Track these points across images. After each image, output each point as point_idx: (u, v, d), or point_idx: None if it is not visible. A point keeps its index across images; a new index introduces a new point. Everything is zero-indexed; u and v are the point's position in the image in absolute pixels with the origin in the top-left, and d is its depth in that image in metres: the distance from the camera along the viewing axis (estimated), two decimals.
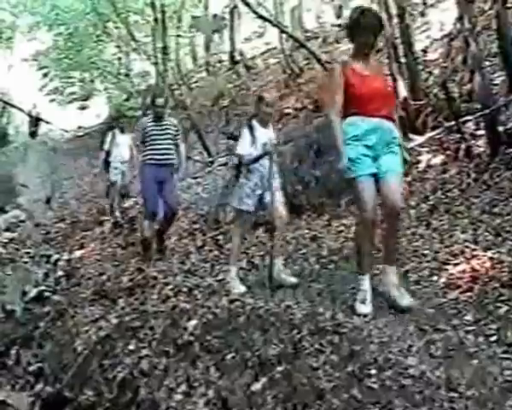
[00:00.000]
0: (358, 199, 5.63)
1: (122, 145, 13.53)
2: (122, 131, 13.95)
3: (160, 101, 9.75)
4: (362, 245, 5.70)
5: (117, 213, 13.29)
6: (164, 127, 9.58)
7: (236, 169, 7.50)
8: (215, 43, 33.02)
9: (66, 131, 36.50)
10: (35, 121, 30.56)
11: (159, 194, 9.41)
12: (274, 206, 7.09)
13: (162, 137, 9.51)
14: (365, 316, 5.26)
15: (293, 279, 7.01)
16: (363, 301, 5.53)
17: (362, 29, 5.75)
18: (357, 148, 5.56)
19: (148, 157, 9.50)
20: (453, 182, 9.03)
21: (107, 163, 13.80)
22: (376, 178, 5.61)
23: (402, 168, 5.82)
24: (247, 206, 7.22)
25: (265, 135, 7.31)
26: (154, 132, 9.49)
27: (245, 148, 7.25)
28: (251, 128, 7.29)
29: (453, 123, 9.99)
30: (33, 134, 30.49)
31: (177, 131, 9.81)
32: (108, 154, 13.69)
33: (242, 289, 6.86)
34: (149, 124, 9.61)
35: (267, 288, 6.64)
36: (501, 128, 9.04)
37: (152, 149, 9.46)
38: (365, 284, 5.61)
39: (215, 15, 31.41)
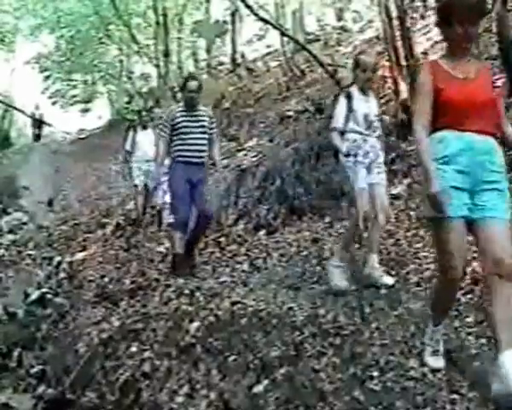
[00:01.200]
0: (443, 250, 4.10)
1: (145, 143, 12.55)
2: (144, 127, 12.99)
3: (192, 85, 8.12)
4: (442, 302, 4.34)
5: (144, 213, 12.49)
6: (197, 118, 8.12)
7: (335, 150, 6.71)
8: (216, 46, 33.04)
9: (68, 134, 36.57)
10: (38, 124, 30.50)
11: (190, 198, 7.91)
12: (379, 198, 6.62)
13: (195, 129, 8.05)
14: (438, 371, 4.17)
15: (389, 280, 6.42)
16: (434, 353, 4.30)
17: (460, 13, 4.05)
18: (447, 174, 4.02)
19: (178, 154, 8.03)
20: None
21: (128, 164, 12.96)
22: (469, 220, 4.09)
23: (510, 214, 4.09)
24: (362, 183, 6.50)
25: (366, 104, 6.64)
26: (186, 124, 8.02)
27: (339, 120, 6.50)
28: (349, 98, 6.51)
29: None
30: (37, 137, 30.45)
31: (212, 123, 8.32)
32: (130, 154, 12.82)
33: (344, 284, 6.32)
34: (180, 114, 8.07)
35: (354, 286, 6.17)
36: None
37: (182, 143, 7.99)
38: (437, 334, 4.34)
39: (217, 21, 31.42)
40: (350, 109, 6.50)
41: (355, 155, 6.47)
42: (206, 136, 8.14)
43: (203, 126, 8.14)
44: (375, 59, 6.74)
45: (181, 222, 7.87)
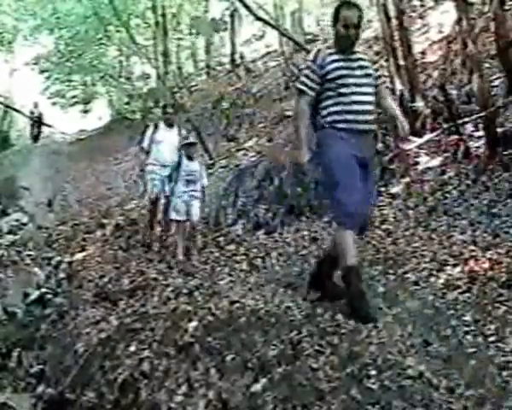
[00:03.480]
0: None
1: (166, 143, 10.57)
2: (169, 125, 10.88)
3: (350, 15, 5.39)
4: None
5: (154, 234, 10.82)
6: (358, 64, 5.49)
7: None
8: (215, 46, 33.11)
9: (68, 135, 36.59)
10: (37, 124, 30.46)
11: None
12: None
13: (359, 81, 5.41)
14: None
15: None
16: None
17: None
18: None
19: (336, 118, 5.37)
20: (452, 183, 9.06)
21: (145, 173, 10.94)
22: None
23: None
24: None
25: None
26: (344, 73, 5.36)
27: None
28: None
29: (452, 125, 10.02)
30: (36, 137, 30.40)
31: (376, 70, 5.82)
32: (147, 154, 10.81)
33: None
34: (332, 58, 5.41)
35: None
36: (499, 130, 9.07)
37: (341, 102, 5.34)
38: None
39: (213, 19, 31.44)
40: None
41: None
42: (372, 91, 5.55)
43: (368, 76, 5.55)
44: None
45: (348, 213, 5.19)
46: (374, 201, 6.34)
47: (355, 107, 5.36)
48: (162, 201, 10.67)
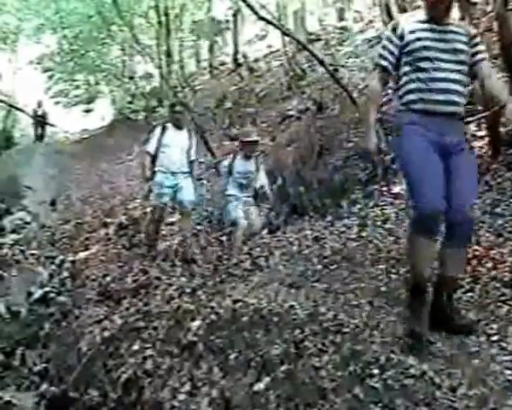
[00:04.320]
0: None
1: (175, 148, 9.49)
2: (179, 127, 9.69)
3: None
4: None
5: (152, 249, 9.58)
6: (450, 37, 4.61)
7: None
8: (218, 46, 33.12)
9: (71, 134, 36.64)
10: (41, 123, 30.45)
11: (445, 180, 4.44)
12: None
13: (446, 56, 4.57)
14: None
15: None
16: None
17: None
18: None
19: (413, 98, 4.61)
20: None
21: (153, 173, 9.56)
22: None
23: None
24: None
25: None
26: (428, 45, 4.55)
27: None
28: None
29: None
30: (40, 137, 30.38)
31: (475, 44, 4.73)
32: (154, 159, 9.53)
33: None
34: (416, 27, 4.65)
35: None
36: (503, 129, 9.07)
37: (419, 78, 4.55)
38: None
39: (213, 19, 31.44)
40: None
41: None
42: (463, 67, 4.66)
43: (460, 51, 4.63)
44: None
45: (428, 211, 4.34)
46: (472, 197, 4.83)
47: (437, 84, 4.52)
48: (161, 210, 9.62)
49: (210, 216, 11.90)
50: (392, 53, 4.75)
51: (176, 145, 9.49)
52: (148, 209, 10.23)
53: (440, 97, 4.52)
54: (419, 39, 4.59)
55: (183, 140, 9.60)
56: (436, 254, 4.75)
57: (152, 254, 9.37)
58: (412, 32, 4.64)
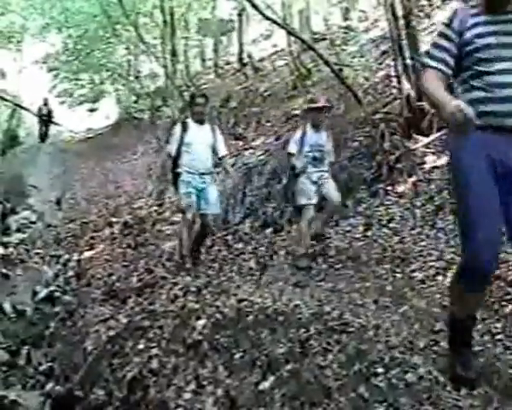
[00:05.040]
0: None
1: (198, 146, 8.39)
2: (200, 122, 8.57)
3: None
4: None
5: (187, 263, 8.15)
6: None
7: None
8: (223, 46, 33.12)
9: (76, 133, 36.68)
10: (45, 122, 30.43)
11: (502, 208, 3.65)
12: None
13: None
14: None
15: None
16: None
17: None
18: None
19: (478, 109, 3.47)
20: None
21: (175, 176, 8.52)
22: None
23: None
24: None
25: None
26: (491, 42, 3.61)
27: None
28: None
29: None
30: (44, 136, 30.35)
31: None
32: (176, 159, 8.48)
33: None
34: (476, 20, 3.73)
35: None
36: None
37: (481, 85, 3.62)
38: None
39: (221, 20, 31.45)
40: None
41: None
42: None
43: None
44: None
45: (476, 276, 3.63)
46: None
47: (504, 92, 3.52)
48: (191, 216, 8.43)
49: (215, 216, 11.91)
50: (448, 51, 3.76)
51: (200, 142, 8.42)
52: (180, 217, 9.00)
53: (507, 108, 3.52)
54: (481, 36, 3.65)
55: (206, 136, 8.56)
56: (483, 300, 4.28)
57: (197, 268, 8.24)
58: (472, 26, 3.70)
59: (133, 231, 11.58)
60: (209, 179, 8.51)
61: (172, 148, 8.49)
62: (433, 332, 4.82)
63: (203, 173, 8.39)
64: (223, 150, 8.73)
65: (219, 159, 8.68)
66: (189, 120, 8.60)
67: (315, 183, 8.36)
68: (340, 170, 11.01)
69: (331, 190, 8.38)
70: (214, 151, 8.59)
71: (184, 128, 8.48)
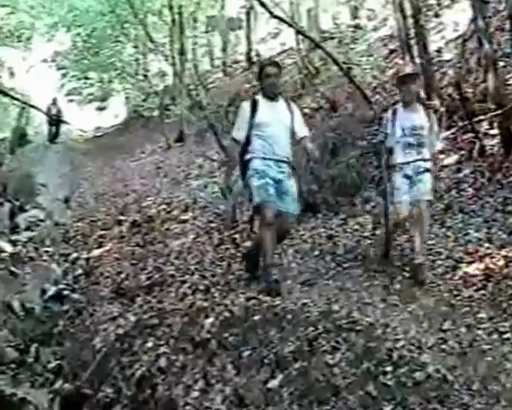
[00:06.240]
0: None
1: (273, 127, 6.57)
2: (273, 97, 6.75)
3: None
4: None
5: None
6: None
7: None
8: (232, 44, 33.10)
9: (85, 132, 36.74)
10: (56, 121, 30.40)
11: None
12: None
13: None
14: None
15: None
16: None
17: None
18: None
19: None
20: (467, 181, 9.05)
21: (243, 165, 6.72)
22: None
23: None
24: None
25: None
26: None
27: None
28: None
29: (467, 123, 9.98)
30: (54, 136, 30.28)
31: None
32: (246, 146, 6.70)
33: None
34: None
35: None
36: None
37: None
38: None
39: (231, 19, 31.46)
40: None
41: None
42: None
43: None
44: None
45: None
46: None
47: None
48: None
49: (223, 214, 11.89)
50: None
51: (274, 123, 6.60)
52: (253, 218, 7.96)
53: None
54: None
55: (282, 114, 6.73)
56: None
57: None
58: None
59: (142, 230, 11.57)
60: (288, 170, 6.73)
61: (241, 133, 6.72)
62: (441, 331, 4.82)
63: (281, 161, 6.62)
64: (303, 131, 6.89)
65: (298, 141, 6.85)
66: (259, 97, 6.80)
67: (409, 178, 7.00)
68: (349, 169, 11.01)
69: (424, 184, 6.92)
70: (292, 133, 6.79)
71: (254, 107, 6.67)
